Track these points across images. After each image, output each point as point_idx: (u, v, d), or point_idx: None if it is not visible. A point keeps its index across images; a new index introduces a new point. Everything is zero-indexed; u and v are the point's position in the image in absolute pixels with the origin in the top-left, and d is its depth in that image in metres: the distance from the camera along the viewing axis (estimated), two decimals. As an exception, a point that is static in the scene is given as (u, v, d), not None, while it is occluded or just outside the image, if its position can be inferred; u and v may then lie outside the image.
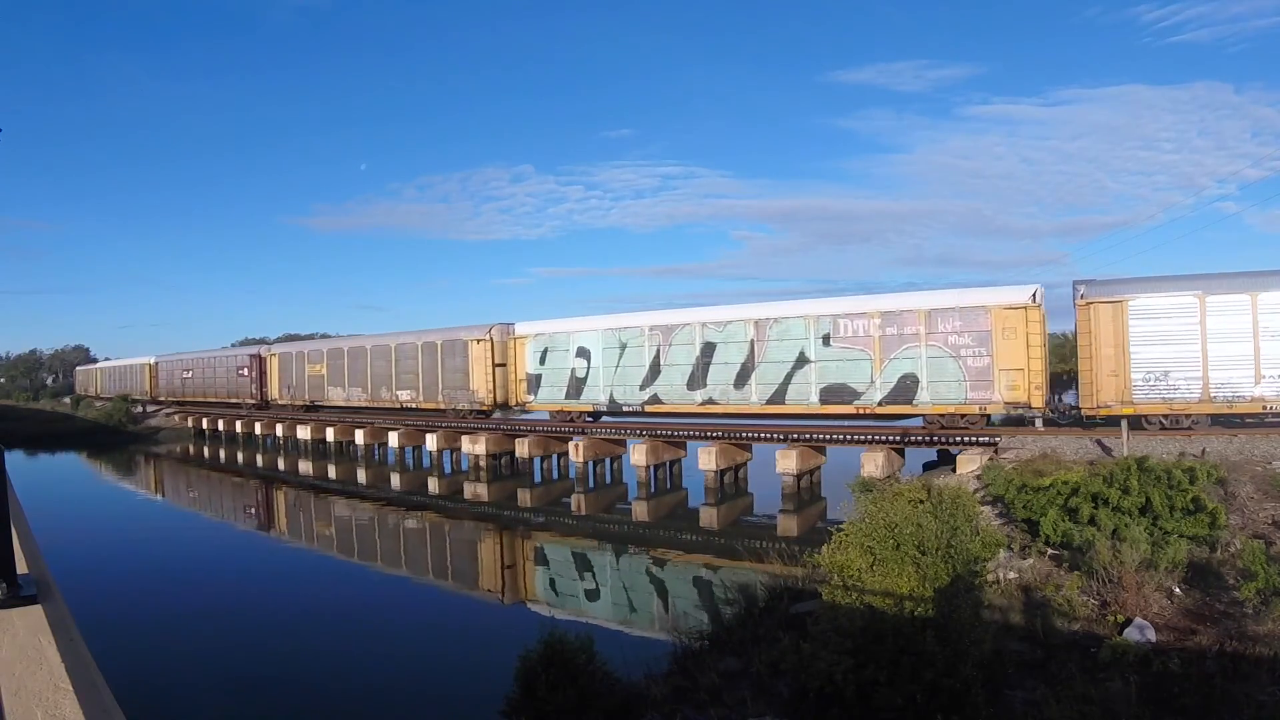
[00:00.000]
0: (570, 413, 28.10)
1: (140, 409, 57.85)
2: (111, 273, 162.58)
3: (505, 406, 31.04)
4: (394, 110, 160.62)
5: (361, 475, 32.42)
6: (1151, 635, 8.50)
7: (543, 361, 28.92)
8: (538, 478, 28.74)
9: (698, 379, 24.59)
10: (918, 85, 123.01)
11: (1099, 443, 16.80)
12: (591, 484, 26.49)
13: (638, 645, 11.15)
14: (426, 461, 33.00)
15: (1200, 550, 10.69)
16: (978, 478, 16.04)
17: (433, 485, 29.01)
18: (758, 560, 15.30)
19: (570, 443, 27.07)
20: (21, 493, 5.94)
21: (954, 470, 18.38)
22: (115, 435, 51.58)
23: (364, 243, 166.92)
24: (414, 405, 34.71)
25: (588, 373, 27.46)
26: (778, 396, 23.02)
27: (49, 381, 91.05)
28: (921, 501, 11.14)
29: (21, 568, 3.34)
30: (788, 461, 22.05)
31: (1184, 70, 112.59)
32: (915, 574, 7.86)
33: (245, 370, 46.66)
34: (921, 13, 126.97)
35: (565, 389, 28.08)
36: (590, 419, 27.99)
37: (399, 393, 35.16)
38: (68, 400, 70.50)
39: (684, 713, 8.09)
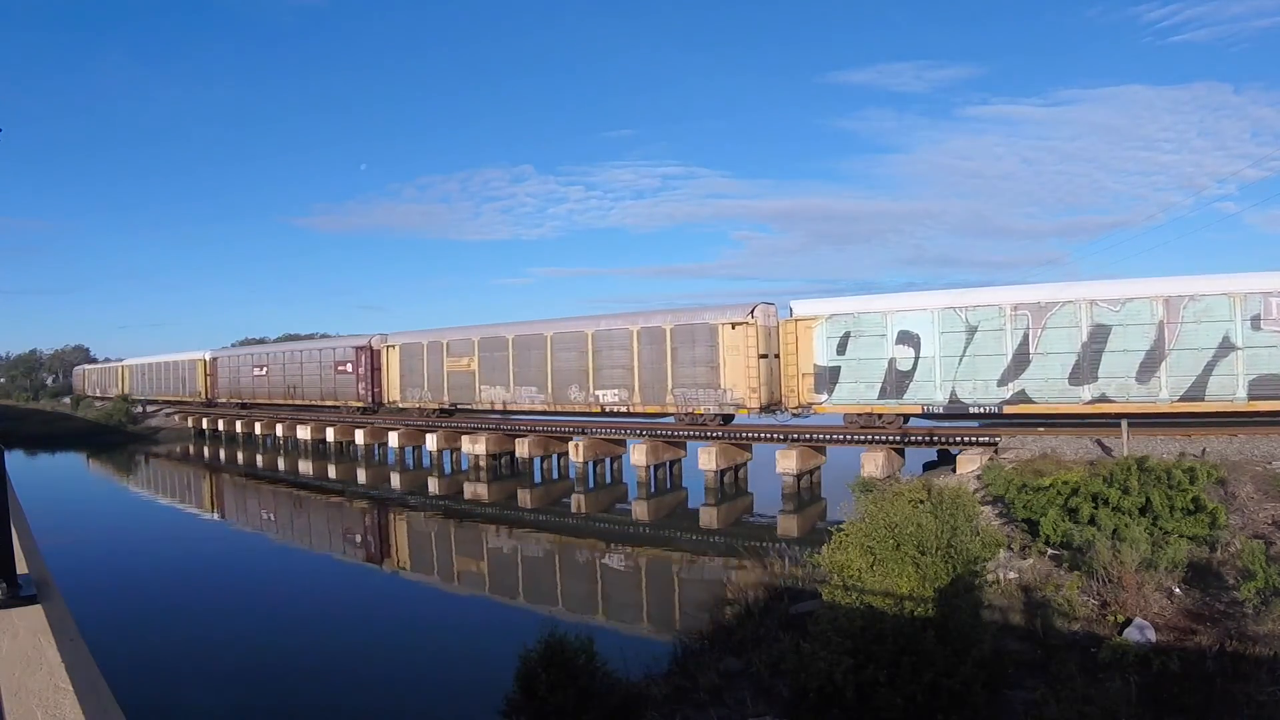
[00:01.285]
0: (881, 416, 22.39)
1: (140, 409, 57.73)
2: (111, 272, 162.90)
3: (775, 408, 24.29)
4: (394, 111, 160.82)
5: (361, 475, 32.41)
6: (1151, 635, 8.50)
7: (841, 350, 22.74)
8: (538, 478, 28.73)
9: (1084, 371, 19.91)
10: (918, 86, 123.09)
11: (1099, 443, 16.80)
12: (591, 484, 26.48)
13: (638, 645, 11.15)
14: (426, 461, 32.99)
15: (1200, 550, 10.69)
16: (978, 478, 16.05)
17: (433, 485, 28.99)
18: (758, 560, 15.30)
19: (570, 443, 27.05)
20: (21, 493, 5.94)
21: (954, 470, 18.40)
22: (115, 435, 51.56)
23: (364, 243, 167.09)
24: (624, 409, 26.92)
25: (915, 364, 21.70)
26: (1195, 391, 18.93)
27: (49, 381, 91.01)
28: (921, 501, 11.13)
29: (21, 568, 3.34)
30: (788, 461, 22.05)
31: (1184, 70, 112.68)
32: (915, 574, 7.86)
33: (349, 366, 38.05)
34: (921, 13, 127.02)
35: (879, 386, 22.14)
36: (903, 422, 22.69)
37: (600, 393, 27.46)
38: (67, 400, 70.41)
39: (684, 713, 8.10)
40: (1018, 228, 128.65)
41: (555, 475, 28.89)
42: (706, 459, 23.44)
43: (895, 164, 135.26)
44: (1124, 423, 16.33)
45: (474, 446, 29.43)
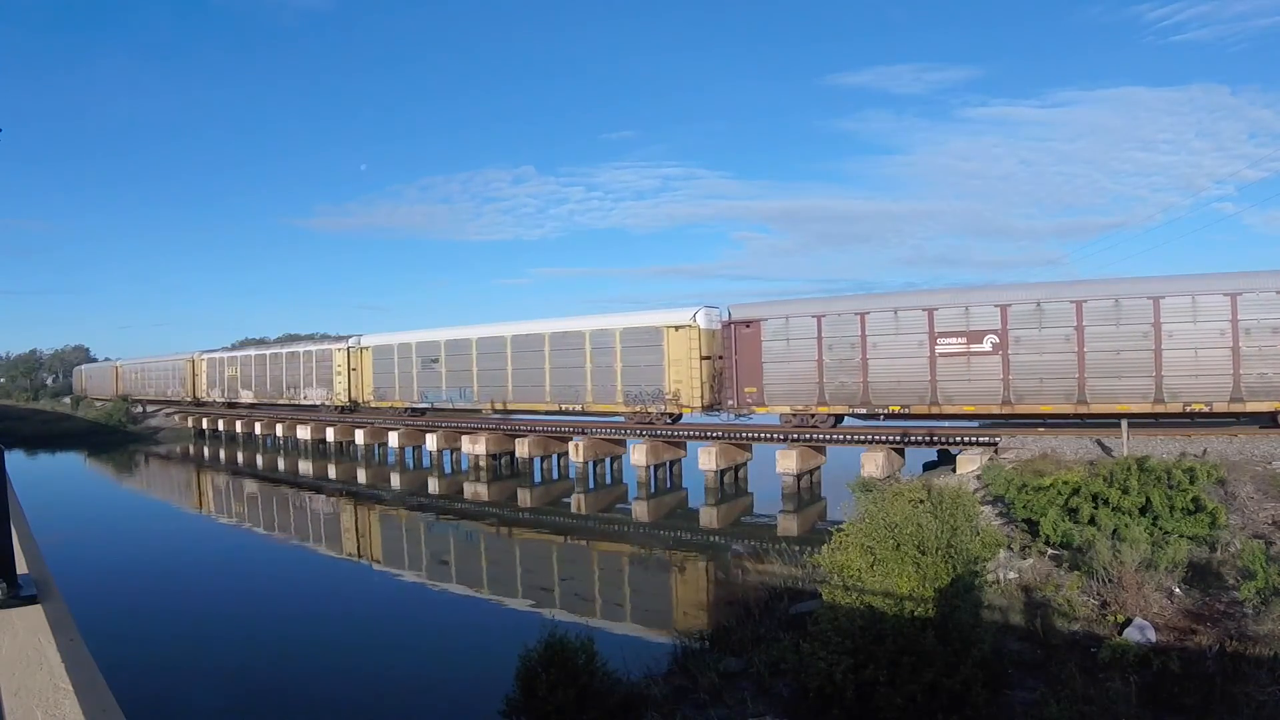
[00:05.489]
0: None
1: (140, 409, 57.48)
2: (111, 272, 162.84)
3: None
4: (396, 112, 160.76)
5: (362, 475, 32.41)
6: (1151, 635, 8.50)
7: None
8: (538, 478, 28.71)
9: None
10: (917, 87, 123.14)
11: (1099, 443, 16.79)
12: (591, 484, 26.47)
13: (638, 645, 11.15)
14: (426, 461, 32.97)
15: (1200, 550, 10.69)
16: (978, 478, 16.04)
17: (433, 485, 28.99)
18: (758, 560, 15.30)
19: (570, 443, 27.03)
20: (21, 492, 5.93)
21: (954, 470, 18.38)
22: (115, 435, 51.57)
23: (365, 243, 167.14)
24: None
25: None
26: None
27: (49, 381, 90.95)
28: (921, 501, 11.13)
29: (21, 568, 3.34)
30: (788, 461, 22.04)
31: (1180, 71, 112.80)
32: (915, 574, 7.85)
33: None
34: (921, 15, 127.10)
35: None
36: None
37: None
38: (67, 400, 70.20)
39: (684, 712, 8.09)
40: (1017, 228, 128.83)
41: (555, 475, 28.86)
42: (706, 459, 23.42)
43: (895, 165, 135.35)
44: (1124, 423, 16.33)
45: (474, 447, 29.41)
